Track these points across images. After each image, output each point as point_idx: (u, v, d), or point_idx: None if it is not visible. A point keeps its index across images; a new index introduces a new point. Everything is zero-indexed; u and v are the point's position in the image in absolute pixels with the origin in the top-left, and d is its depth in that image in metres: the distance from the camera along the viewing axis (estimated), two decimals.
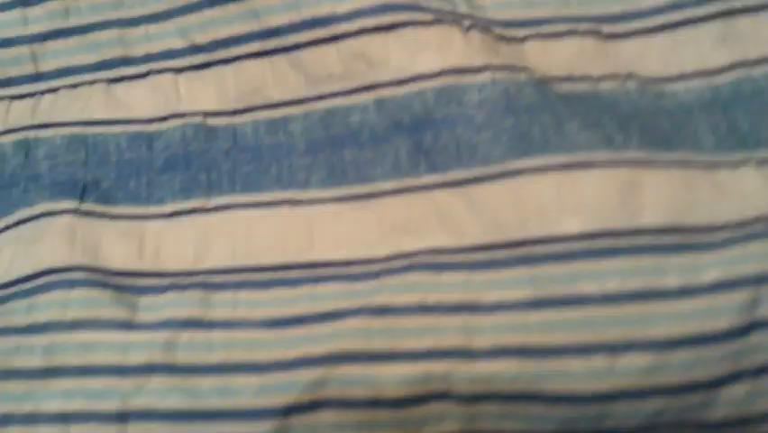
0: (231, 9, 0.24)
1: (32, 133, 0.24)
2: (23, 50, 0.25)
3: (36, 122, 0.24)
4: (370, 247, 0.19)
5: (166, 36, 0.24)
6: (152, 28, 0.25)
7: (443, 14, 0.21)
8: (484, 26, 0.21)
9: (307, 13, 0.23)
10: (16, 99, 0.25)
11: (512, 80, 0.20)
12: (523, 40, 0.21)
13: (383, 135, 0.21)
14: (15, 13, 0.26)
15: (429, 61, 0.21)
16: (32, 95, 0.25)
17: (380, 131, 0.21)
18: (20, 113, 0.25)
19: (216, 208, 0.22)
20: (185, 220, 0.22)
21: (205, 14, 0.24)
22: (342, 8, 0.23)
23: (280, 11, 0.23)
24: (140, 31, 0.25)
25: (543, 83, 0.20)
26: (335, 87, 0.22)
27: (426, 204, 0.19)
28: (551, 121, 0.19)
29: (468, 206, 0.19)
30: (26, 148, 0.24)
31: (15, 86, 0.25)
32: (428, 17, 0.21)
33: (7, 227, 0.23)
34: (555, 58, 0.21)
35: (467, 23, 0.21)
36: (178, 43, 0.24)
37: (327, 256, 0.20)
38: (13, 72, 0.25)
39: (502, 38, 0.21)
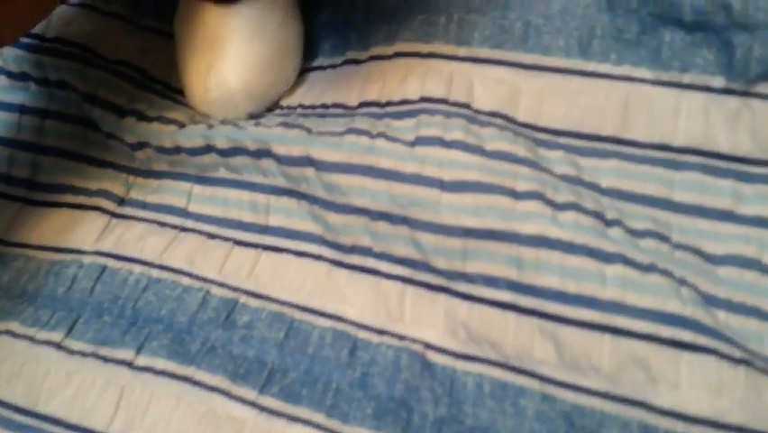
0: (490, 246, 0.20)
1: (243, 298, 0.23)
2: (259, 198, 0.24)
3: (251, 288, 0.23)
4: None
5: (396, 241, 0.22)
6: (384, 227, 0.22)
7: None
8: None
9: (586, 288, 0.19)
10: (239, 245, 0.24)
11: None
12: None
13: None
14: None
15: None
16: (255, 246, 0.24)
17: None
18: (238, 264, 0.24)
19: None
20: None
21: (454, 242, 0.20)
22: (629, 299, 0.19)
23: (549, 271, 0.20)
24: (378, 225, 0.22)
25: None
26: (597, 385, 0.19)
27: None
28: None
29: None
30: (231, 309, 0.23)
31: (243, 230, 0.24)
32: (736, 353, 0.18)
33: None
34: None
35: None
36: (410, 253, 0.22)
37: None
38: (246, 217, 0.24)
39: None
